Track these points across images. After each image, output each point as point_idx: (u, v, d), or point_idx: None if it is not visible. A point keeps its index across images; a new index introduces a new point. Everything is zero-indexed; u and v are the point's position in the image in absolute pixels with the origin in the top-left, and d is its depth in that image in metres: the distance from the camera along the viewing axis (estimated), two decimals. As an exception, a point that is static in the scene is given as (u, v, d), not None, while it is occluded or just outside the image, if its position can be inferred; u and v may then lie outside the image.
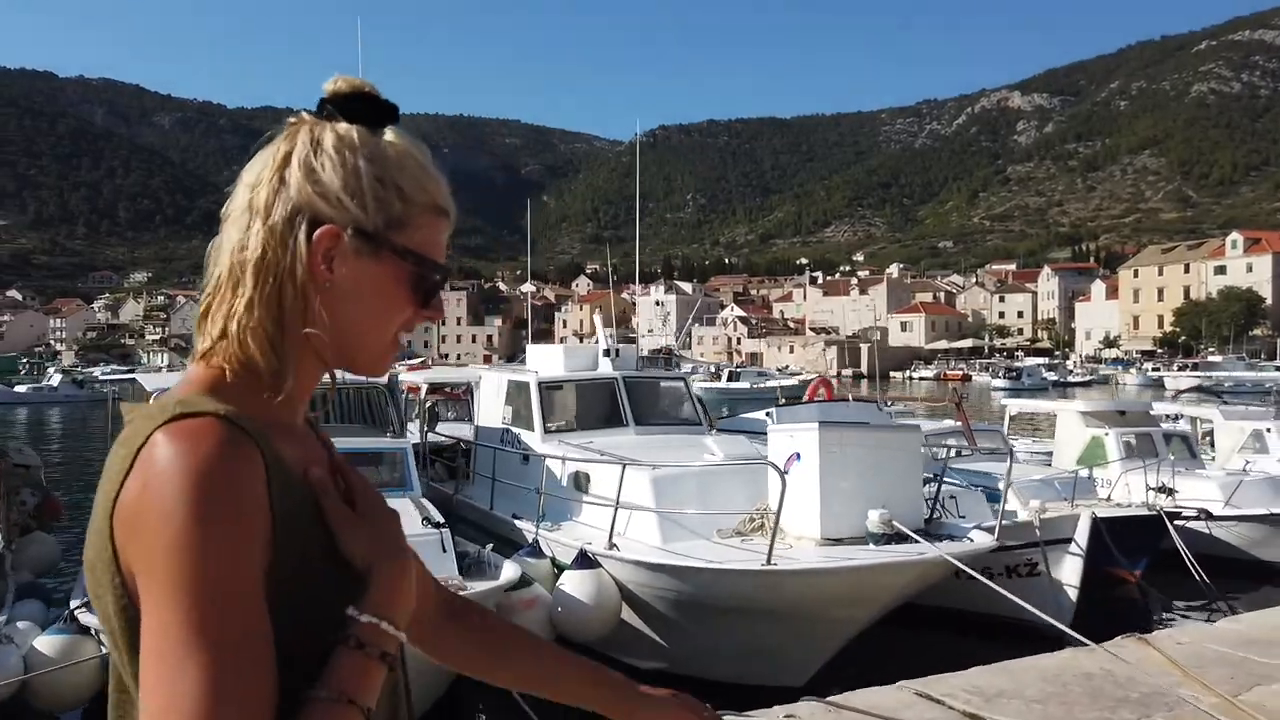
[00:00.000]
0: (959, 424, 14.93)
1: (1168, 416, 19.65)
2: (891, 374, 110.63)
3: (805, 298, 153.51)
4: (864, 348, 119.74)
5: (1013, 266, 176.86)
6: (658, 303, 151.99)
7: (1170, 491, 13.64)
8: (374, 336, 0.98)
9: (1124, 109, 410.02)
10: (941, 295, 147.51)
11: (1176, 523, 12.42)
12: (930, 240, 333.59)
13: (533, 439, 11.03)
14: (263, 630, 0.82)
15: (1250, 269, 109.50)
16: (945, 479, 13.02)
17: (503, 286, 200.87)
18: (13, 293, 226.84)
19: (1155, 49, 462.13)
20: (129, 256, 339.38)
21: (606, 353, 11.94)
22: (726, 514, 8.42)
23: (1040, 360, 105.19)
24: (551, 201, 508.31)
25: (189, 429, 0.84)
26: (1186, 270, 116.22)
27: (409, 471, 9.28)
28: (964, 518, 11.46)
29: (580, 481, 9.86)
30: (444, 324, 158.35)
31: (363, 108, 0.98)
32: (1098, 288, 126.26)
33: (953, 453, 14.86)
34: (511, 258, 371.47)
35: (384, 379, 10.34)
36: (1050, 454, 16.30)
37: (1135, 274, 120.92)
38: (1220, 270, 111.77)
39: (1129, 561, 12.16)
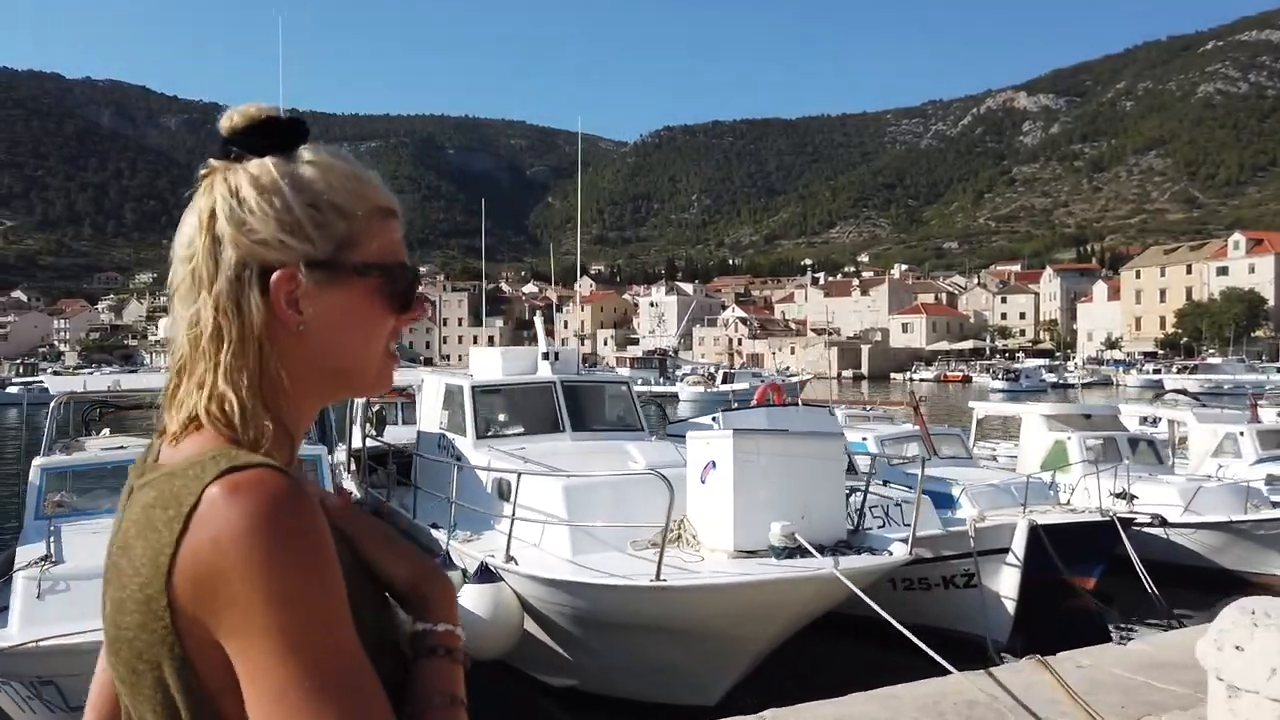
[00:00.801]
0: (918, 428, 14.59)
1: (1143, 419, 19.32)
2: (892, 375, 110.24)
3: (807, 299, 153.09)
4: (864, 349, 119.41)
5: (1018, 267, 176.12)
6: (652, 304, 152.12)
7: (1130, 497, 13.36)
8: (366, 358, 0.95)
9: (1130, 109, 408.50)
10: (944, 296, 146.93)
11: (1134, 529, 12.13)
12: (935, 241, 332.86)
13: (465, 445, 10.75)
14: (371, 668, 0.81)
15: (1253, 270, 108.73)
16: (897, 486, 12.80)
17: (506, 287, 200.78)
18: (18, 293, 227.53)
19: (1162, 49, 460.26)
20: (134, 257, 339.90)
21: (545, 356, 11.63)
22: (640, 526, 8.12)
23: (1041, 362, 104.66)
24: (557, 202, 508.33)
25: (250, 481, 0.80)
26: (1189, 271, 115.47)
27: (322, 480, 9.00)
28: (908, 526, 11.19)
29: (503, 490, 9.58)
30: (445, 324, 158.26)
31: (268, 137, 0.93)
32: (1100, 289, 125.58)
33: (909, 457, 14.64)
34: (517, 258, 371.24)
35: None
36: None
37: (1137, 275, 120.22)
38: (1223, 271, 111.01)
39: (1083, 569, 11.86)
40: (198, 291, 0.90)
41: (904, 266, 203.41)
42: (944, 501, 12.80)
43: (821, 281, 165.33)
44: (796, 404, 13.40)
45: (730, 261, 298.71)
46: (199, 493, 0.79)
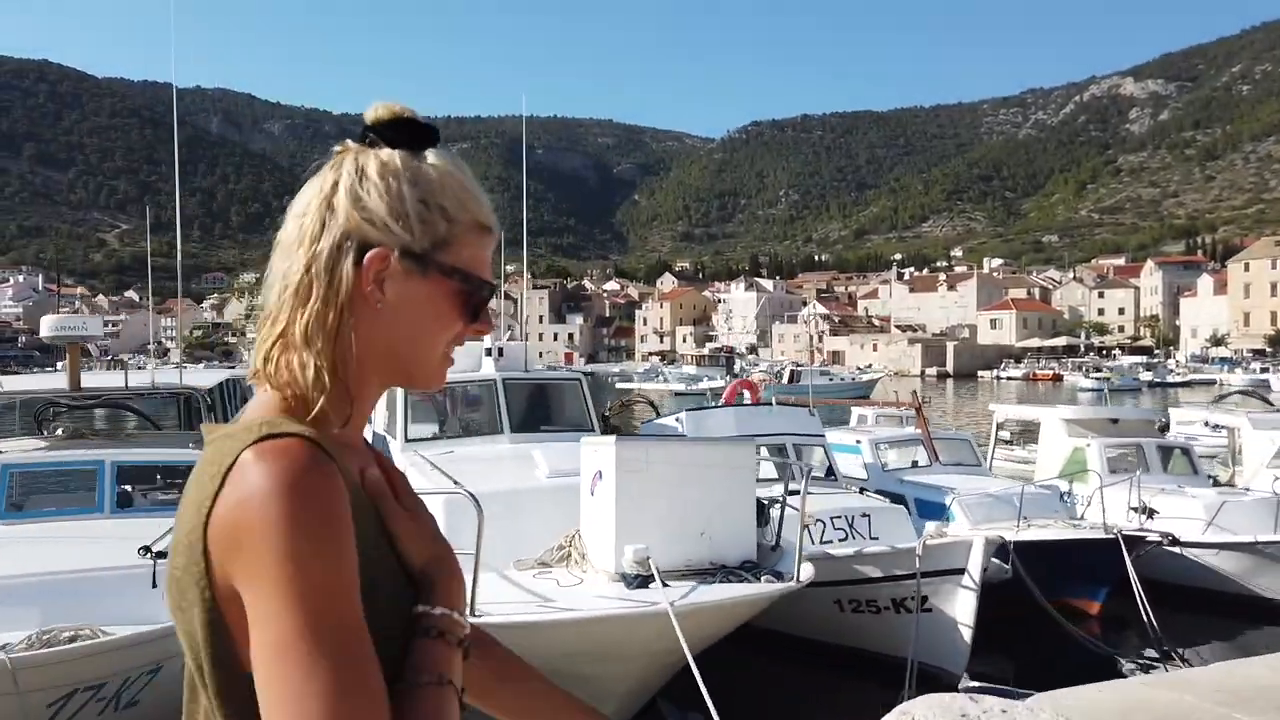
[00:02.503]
0: (919, 432, 13.45)
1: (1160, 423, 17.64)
2: (979, 373, 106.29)
3: (891, 294, 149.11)
4: (950, 346, 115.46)
5: (1121, 261, 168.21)
6: (719, 301, 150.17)
7: (1149, 511, 12.03)
8: (427, 352, 1.01)
9: (1246, 94, 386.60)
10: (1036, 291, 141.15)
11: (1145, 547, 10.84)
12: (1034, 235, 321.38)
13: (395, 448, 10.19)
14: (368, 635, 0.86)
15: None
16: (874, 495, 11.74)
17: (589, 285, 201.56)
18: (130, 294, 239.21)
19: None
20: (239, 258, 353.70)
21: (489, 352, 10.99)
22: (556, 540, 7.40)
23: (1138, 359, 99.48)
24: (643, 200, 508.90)
25: (278, 448, 0.87)
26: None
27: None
28: (876, 539, 10.16)
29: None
30: (526, 321, 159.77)
31: (403, 133, 1.00)
32: (1205, 282, 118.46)
33: (910, 463, 13.53)
34: (602, 256, 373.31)
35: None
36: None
37: (1246, 268, 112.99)
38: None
39: (1085, 591, 10.65)
40: (298, 248, 0.97)
41: (998, 261, 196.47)
42: (934, 511, 11.71)
43: (906, 276, 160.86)
44: (769, 404, 12.42)
45: (817, 258, 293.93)
46: (237, 454, 0.88)
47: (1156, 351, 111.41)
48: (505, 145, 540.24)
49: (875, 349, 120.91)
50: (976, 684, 8.38)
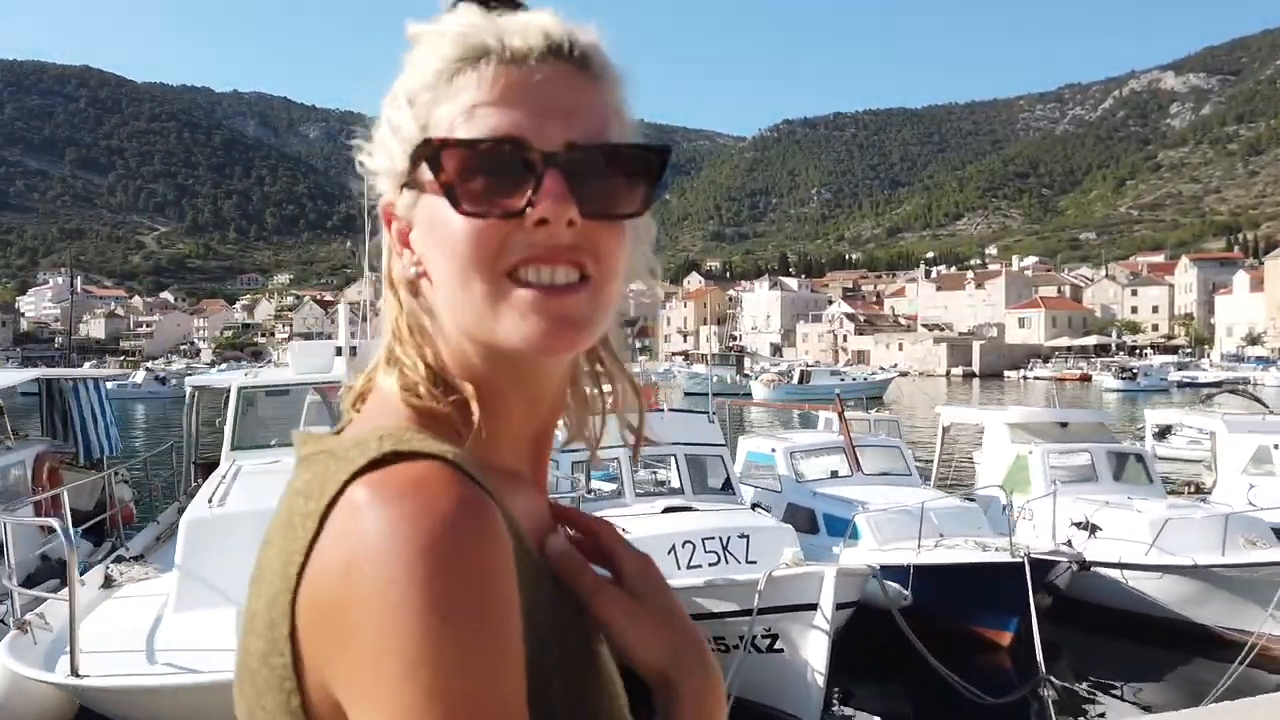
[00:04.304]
0: (841, 439, 12.26)
1: (1156, 428, 16.26)
2: (1006, 373, 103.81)
3: (918, 293, 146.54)
4: (976, 345, 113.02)
5: (1161, 258, 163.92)
6: (730, 298, 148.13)
7: (1092, 528, 10.80)
8: (467, 297, 0.64)
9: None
10: (1067, 289, 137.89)
11: (1068, 571, 9.63)
12: (1071, 232, 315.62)
13: (224, 458, 9.26)
14: None
15: None
16: (762, 510, 10.59)
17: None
18: (165, 295, 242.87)
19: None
20: (274, 260, 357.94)
21: (339, 351, 10.00)
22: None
23: (1169, 358, 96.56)
24: (674, 199, 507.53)
25: (408, 480, 0.56)
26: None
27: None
28: (754, 563, 9.03)
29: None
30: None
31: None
32: (1240, 279, 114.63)
33: (829, 473, 12.35)
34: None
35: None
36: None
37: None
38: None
39: (997, 619, 9.45)
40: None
41: (1032, 259, 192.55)
42: (839, 528, 10.56)
43: (934, 275, 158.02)
44: (661, 410, 11.32)
45: (848, 256, 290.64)
46: (343, 484, 0.57)
47: (1189, 350, 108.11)
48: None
49: (901, 348, 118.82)
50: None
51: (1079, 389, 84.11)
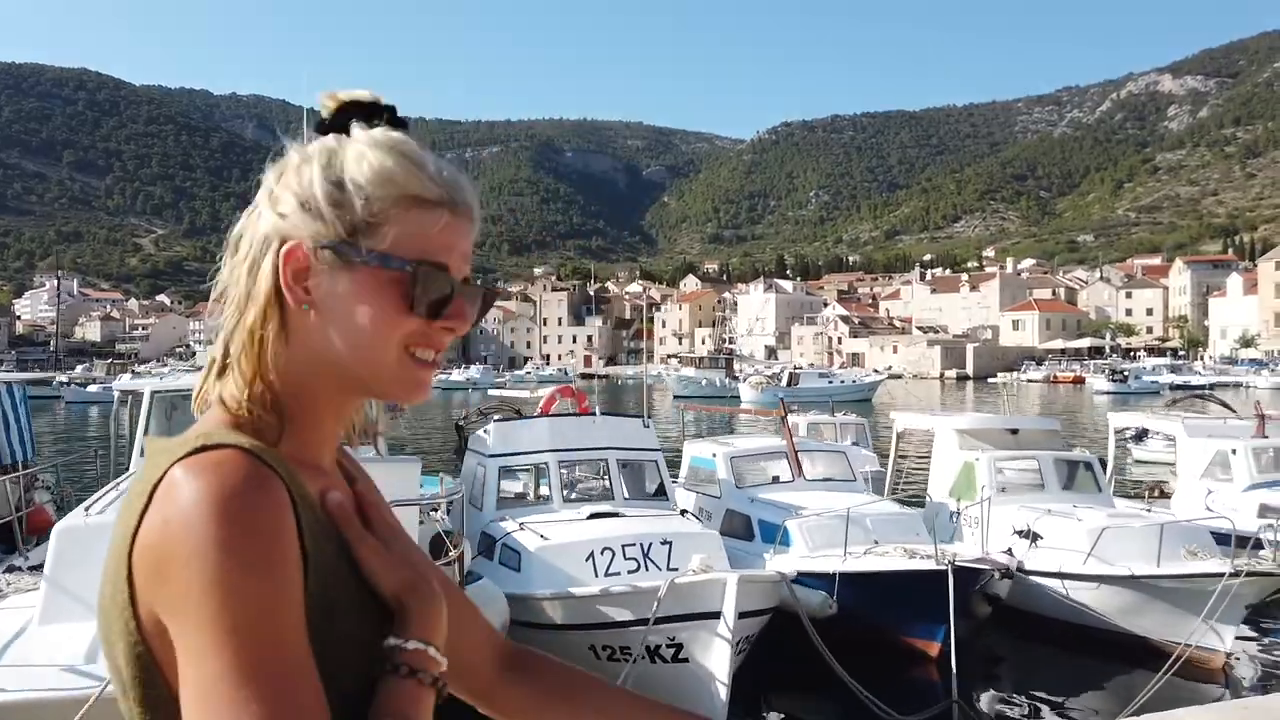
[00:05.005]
0: (784, 444, 12.04)
1: (1133, 431, 16.03)
2: (1000, 376, 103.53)
3: (913, 295, 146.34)
4: (969, 348, 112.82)
5: (1158, 260, 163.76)
6: (719, 302, 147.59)
7: (1033, 536, 10.61)
8: (374, 355, 0.88)
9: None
10: (1061, 291, 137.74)
11: (986, 581, 9.41)
12: (1068, 234, 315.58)
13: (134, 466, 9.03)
14: (311, 668, 0.77)
15: None
16: (692, 515, 10.37)
17: (613, 287, 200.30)
18: (162, 297, 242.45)
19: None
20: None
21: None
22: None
23: (1161, 361, 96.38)
24: (672, 202, 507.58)
25: (209, 461, 0.78)
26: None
27: None
28: (676, 569, 8.79)
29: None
30: (545, 324, 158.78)
31: (342, 117, 0.92)
32: (1234, 281, 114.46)
33: (771, 478, 12.14)
34: (631, 259, 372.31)
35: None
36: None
37: (1277, 266, 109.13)
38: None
39: (925, 629, 9.23)
40: (230, 257, 0.91)
41: (1029, 261, 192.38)
42: (772, 535, 10.35)
43: (928, 277, 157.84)
44: (592, 414, 11.08)
45: (846, 259, 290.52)
46: (165, 469, 0.78)
47: (1182, 353, 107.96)
48: (534, 148, 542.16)
49: (895, 350, 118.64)
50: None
51: (1072, 391, 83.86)
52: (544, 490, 10.48)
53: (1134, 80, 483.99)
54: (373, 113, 0.92)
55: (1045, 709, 8.57)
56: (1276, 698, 6.93)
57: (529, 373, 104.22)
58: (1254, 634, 10.32)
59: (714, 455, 11.85)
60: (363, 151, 0.89)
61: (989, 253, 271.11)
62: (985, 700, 8.57)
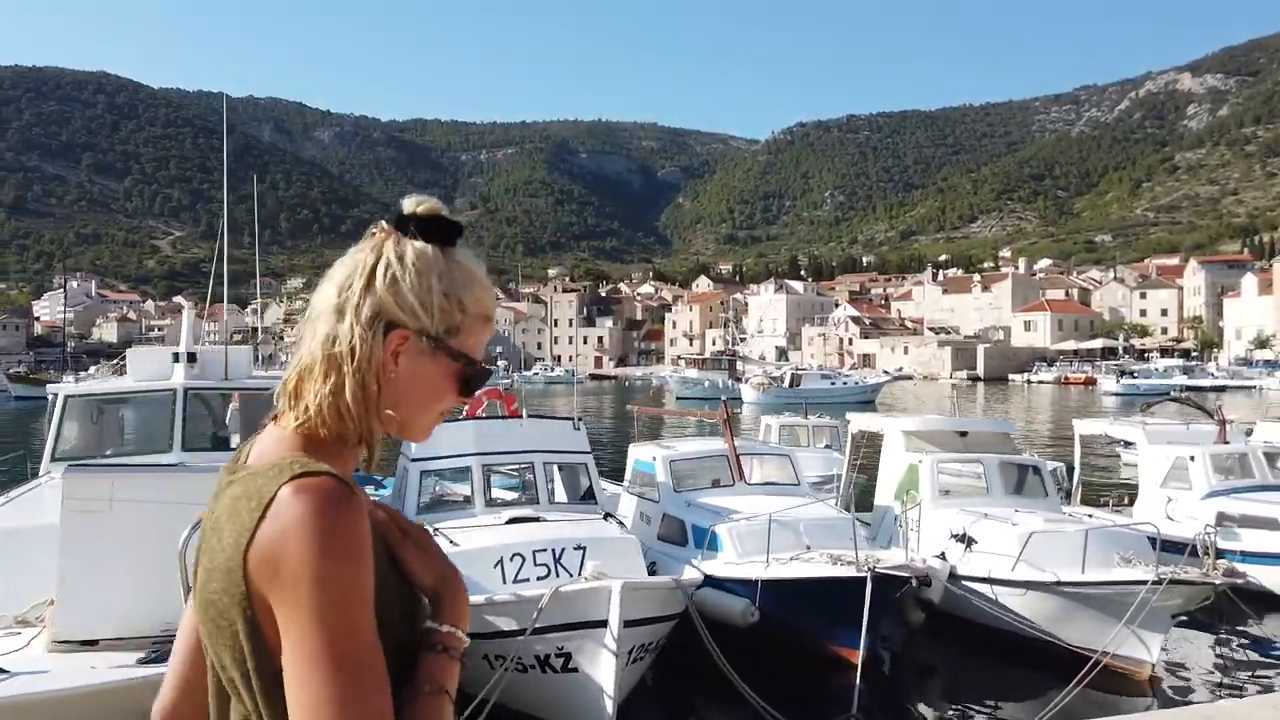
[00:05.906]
0: (725, 447, 11.83)
1: (1106, 438, 15.73)
2: (1010, 377, 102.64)
3: (925, 296, 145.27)
4: (980, 349, 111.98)
5: (1175, 261, 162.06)
6: (723, 302, 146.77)
7: (969, 541, 10.39)
8: (424, 416, 1.19)
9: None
10: (1075, 292, 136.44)
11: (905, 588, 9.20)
12: (1086, 234, 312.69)
13: (42, 466, 8.94)
14: (379, 648, 1.02)
15: None
16: (614, 518, 10.18)
17: (624, 288, 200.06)
18: (179, 299, 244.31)
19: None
20: (288, 264, 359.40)
21: (176, 357, 9.66)
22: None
23: (1174, 362, 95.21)
24: (687, 203, 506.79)
25: (314, 485, 1.02)
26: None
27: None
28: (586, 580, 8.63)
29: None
30: (555, 325, 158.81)
31: (436, 227, 1.17)
32: (1249, 282, 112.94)
33: (712, 482, 11.94)
34: (646, 260, 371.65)
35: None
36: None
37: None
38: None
39: (847, 636, 9.02)
40: (341, 317, 1.13)
41: (1045, 261, 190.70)
42: (701, 540, 10.16)
43: (940, 278, 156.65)
44: (519, 416, 10.89)
45: (862, 259, 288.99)
46: (276, 490, 1.02)
47: (1196, 354, 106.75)
48: (549, 149, 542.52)
49: (906, 351, 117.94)
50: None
51: (1084, 392, 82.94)
52: (468, 492, 10.32)
53: (1153, 79, 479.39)
54: (450, 228, 1.18)
55: (965, 717, 8.35)
56: (1240, 703, 6.72)
57: (536, 373, 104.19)
58: (1191, 645, 10.04)
59: (654, 459, 11.66)
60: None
61: (1005, 253, 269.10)
62: (898, 710, 8.36)
